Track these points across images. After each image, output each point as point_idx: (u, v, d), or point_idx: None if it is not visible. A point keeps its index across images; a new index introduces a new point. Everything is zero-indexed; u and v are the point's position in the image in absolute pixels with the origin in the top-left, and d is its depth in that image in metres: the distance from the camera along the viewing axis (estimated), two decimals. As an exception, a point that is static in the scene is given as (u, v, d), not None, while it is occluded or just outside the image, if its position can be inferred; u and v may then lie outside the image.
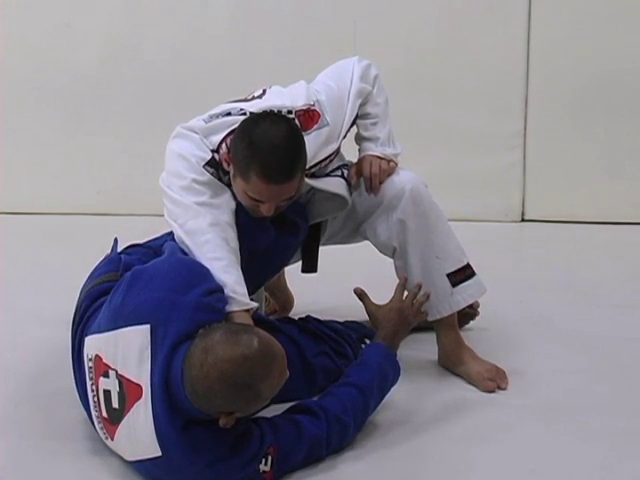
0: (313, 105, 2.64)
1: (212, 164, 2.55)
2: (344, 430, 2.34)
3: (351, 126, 2.76)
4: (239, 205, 2.57)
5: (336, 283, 3.59)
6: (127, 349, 2.20)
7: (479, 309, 3.14)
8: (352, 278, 3.66)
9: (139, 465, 2.22)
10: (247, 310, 2.46)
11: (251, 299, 2.83)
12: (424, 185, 2.78)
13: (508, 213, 4.80)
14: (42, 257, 3.95)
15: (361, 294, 2.72)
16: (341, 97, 2.71)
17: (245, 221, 2.58)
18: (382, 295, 3.18)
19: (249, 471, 2.16)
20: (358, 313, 3.03)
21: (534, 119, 4.71)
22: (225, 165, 2.53)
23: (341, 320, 2.92)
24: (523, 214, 4.82)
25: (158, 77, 4.83)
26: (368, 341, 2.83)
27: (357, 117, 2.77)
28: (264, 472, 2.19)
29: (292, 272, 3.03)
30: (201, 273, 2.38)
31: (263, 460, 2.18)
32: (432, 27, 4.65)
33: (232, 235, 2.53)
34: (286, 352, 2.63)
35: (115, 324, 2.24)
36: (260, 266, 2.70)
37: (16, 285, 3.19)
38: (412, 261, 2.77)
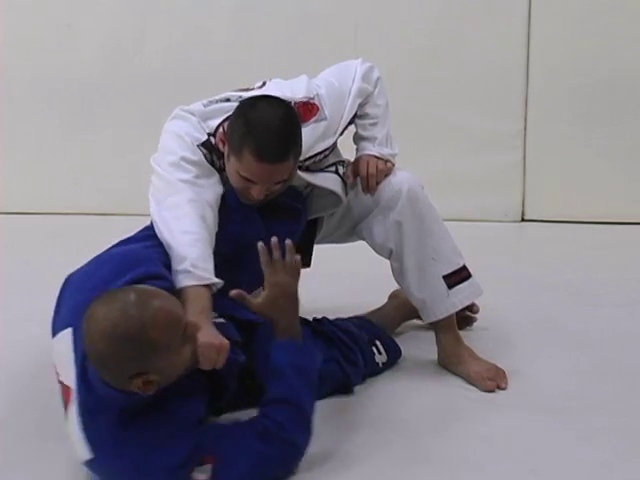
0: (313, 98, 2.64)
1: (207, 146, 2.56)
2: (293, 447, 2.23)
3: (349, 124, 2.76)
4: (230, 192, 2.56)
5: (336, 283, 3.60)
6: (60, 354, 2.22)
7: (478, 313, 3.14)
8: (351, 278, 3.69)
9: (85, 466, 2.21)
10: (206, 285, 2.39)
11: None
12: (421, 186, 2.77)
13: (508, 213, 4.80)
14: (42, 257, 3.95)
15: (238, 295, 2.40)
16: (341, 93, 2.71)
17: (233, 207, 2.57)
18: (380, 293, 3.20)
19: (178, 477, 2.10)
20: (357, 313, 3.04)
21: (534, 119, 4.72)
22: (221, 146, 2.53)
23: (350, 316, 2.92)
24: (523, 214, 4.83)
25: (158, 77, 4.84)
26: (378, 343, 2.85)
27: (356, 116, 2.77)
28: None
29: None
30: (131, 262, 2.34)
31: (199, 468, 2.10)
32: (432, 27, 4.66)
33: (210, 214, 2.49)
34: None
35: (54, 330, 2.29)
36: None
37: (15, 285, 3.19)
38: (408, 263, 2.77)
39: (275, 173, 2.45)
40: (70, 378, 2.17)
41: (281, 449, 2.20)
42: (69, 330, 2.21)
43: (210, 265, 2.42)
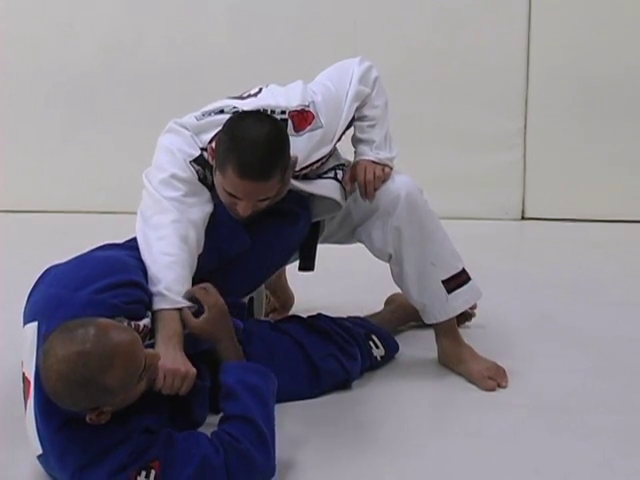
0: (308, 106, 2.62)
1: (200, 162, 2.55)
2: (247, 461, 2.15)
3: (347, 128, 2.75)
4: (220, 206, 2.56)
5: (336, 282, 3.60)
6: (25, 345, 2.23)
7: (476, 310, 3.14)
8: (352, 277, 3.69)
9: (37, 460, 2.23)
10: (178, 309, 2.40)
11: (251, 297, 2.85)
12: (419, 191, 2.77)
13: (508, 211, 4.80)
14: (42, 255, 3.94)
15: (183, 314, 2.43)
16: (338, 99, 2.69)
17: (219, 222, 2.57)
18: (381, 293, 3.20)
19: None
20: (358, 311, 3.04)
21: (534, 117, 4.71)
22: (210, 159, 2.53)
23: (345, 317, 2.92)
24: (523, 212, 4.82)
25: (158, 76, 4.83)
26: (375, 337, 2.86)
27: (354, 119, 2.75)
28: None
29: (293, 271, 3.03)
30: (111, 268, 2.35)
31: (143, 473, 2.10)
32: (432, 26, 4.65)
33: (193, 235, 2.49)
34: (290, 355, 2.65)
35: (23, 321, 2.30)
36: (262, 259, 2.70)
37: (15, 284, 3.18)
38: (407, 268, 2.77)
39: (259, 191, 2.45)
40: (31, 371, 2.19)
41: (234, 460, 2.15)
42: (35, 324, 2.22)
43: (185, 288, 2.43)
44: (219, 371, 2.37)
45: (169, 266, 2.43)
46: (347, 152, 2.84)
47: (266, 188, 2.45)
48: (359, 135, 2.79)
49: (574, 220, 4.69)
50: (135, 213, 2.57)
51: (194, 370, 2.29)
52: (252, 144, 2.39)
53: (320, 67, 2.83)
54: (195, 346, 2.43)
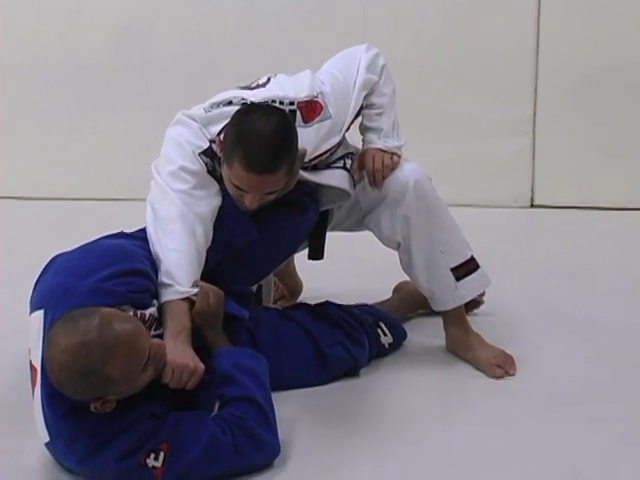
0: (316, 96, 2.62)
1: (208, 154, 2.55)
2: (253, 439, 2.19)
3: (356, 117, 2.74)
4: (228, 198, 2.55)
5: (344, 269, 3.60)
6: (31, 333, 2.24)
7: (485, 297, 3.14)
8: (360, 264, 3.69)
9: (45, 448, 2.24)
10: (188, 300, 2.41)
11: (259, 285, 2.86)
12: (428, 178, 2.76)
13: (517, 199, 4.80)
14: (50, 243, 3.95)
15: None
16: (346, 88, 2.68)
17: (227, 213, 2.57)
18: (390, 280, 3.20)
19: (129, 465, 2.12)
20: (367, 299, 3.05)
21: (543, 105, 4.70)
22: (218, 152, 2.53)
23: (353, 304, 2.92)
24: (532, 200, 4.81)
25: (168, 63, 4.84)
26: (383, 324, 2.86)
27: (362, 107, 2.75)
28: (154, 467, 2.13)
29: (301, 259, 3.03)
30: (117, 256, 2.36)
31: (152, 455, 2.12)
32: (441, 13, 4.64)
33: (201, 229, 2.50)
34: (298, 342, 2.66)
35: (30, 309, 2.31)
36: (270, 249, 2.70)
37: (23, 271, 3.19)
38: (416, 256, 2.77)
39: (265, 184, 2.44)
40: (37, 359, 2.20)
41: (241, 439, 2.18)
42: (41, 312, 2.23)
43: (191, 281, 2.43)
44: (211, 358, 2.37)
45: (177, 260, 2.44)
46: (356, 140, 2.83)
47: (273, 181, 2.45)
48: (367, 123, 2.78)
49: (583, 208, 4.68)
50: (144, 200, 2.58)
51: (202, 366, 2.29)
52: (259, 137, 2.39)
53: (329, 54, 2.82)
54: (202, 339, 2.44)
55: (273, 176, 2.43)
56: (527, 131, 4.73)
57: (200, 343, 2.41)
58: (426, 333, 3.02)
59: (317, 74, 2.72)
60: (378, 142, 2.75)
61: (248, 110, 2.49)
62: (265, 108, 2.50)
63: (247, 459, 2.19)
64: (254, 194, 2.46)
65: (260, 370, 2.35)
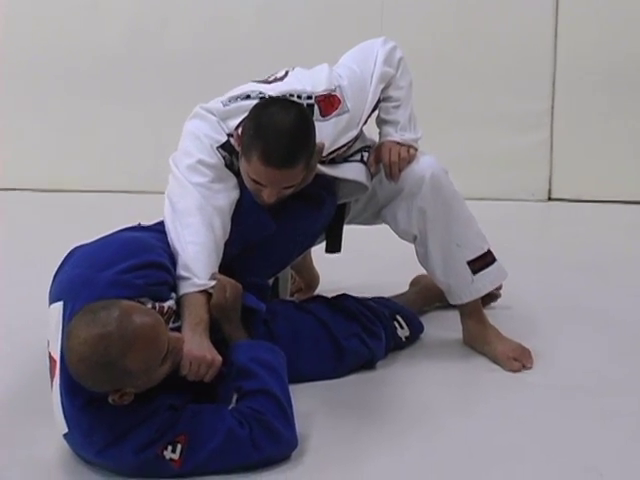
0: (334, 90, 2.62)
1: (226, 148, 2.55)
2: (271, 433, 2.19)
3: (373, 111, 2.74)
4: (246, 192, 2.56)
5: (361, 262, 3.61)
6: (50, 325, 2.26)
7: (501, 291, 3.14)
8: (377, 257, 3.69)
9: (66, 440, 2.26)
10: (206, 292, 2.42)
11: (276, 277, 2.87)
12: (444, 172, 2.76)
13: (535, 192, 4.79)
14: (71, 235, 3.97)
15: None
16: (363, 82, 2.68)
17: (245, 208, 2.57)
18: (406, 274, 3.20)
19: (146, 457, 2.13)
20: (383, 292, 3.05)
21: (561, 97, 4.70)
22: (236, 146, 2.53)
23: (369, 297, 2.92)
24: (550, 193, 4.81)
25: (185, 55, 4.85)
26: (399, 317, 2.86)
27: (379, 101, 2.75)
28: (172, 460, 2.14)
29: (319, 252, 3.04)
30: (135, 249, 2.36)
31: (170, 447, 2.14)
32: (458, 6, 4.64)
33: (219, 222, 2.50)
34: (314, 334, 2.67)
35: (49, 300, 2.32)
36: (287, 242, 2.70)
37: (42, 262, 3.21)
38: (432, 249, 2.77)
39: (283, 178, 2.45)
40: (56, 351, 2.21)
41: (258, 432, 2.18)
42: (60, 304, 2.24)
43: (209, 274, 2.44)
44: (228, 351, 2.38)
45: (195, 253, 2.44)
46: (373, 133, 2.83)
47: (291, 175, 2.45)
48: (384, 116, 2.78)
49: (601, 201, 4.67)
50: (161, 193, 2.59)
51: (220, 358, 2.30)
52: (277, 131, 2.39)
53: (346, 47, 2.82)
54: (220, 332, 2.45)
55: (291, 170, 2.43)
56: (545, 124, 4.72)
57: (218, 336, 2.42)
58: (443, 326, 3.02)
59: (334, 67, 2.72)
60: (395, 135, 2.75)
61: (266, 104, 2.49)
62: (283, 102, 2.50)
63: (264, 452, 2.19)
64: (272, 188, 2.46)
65: (277, 363, 2.36)
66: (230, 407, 2.25)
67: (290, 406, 2.27)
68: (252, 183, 2.49)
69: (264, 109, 2.46)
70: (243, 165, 2.48)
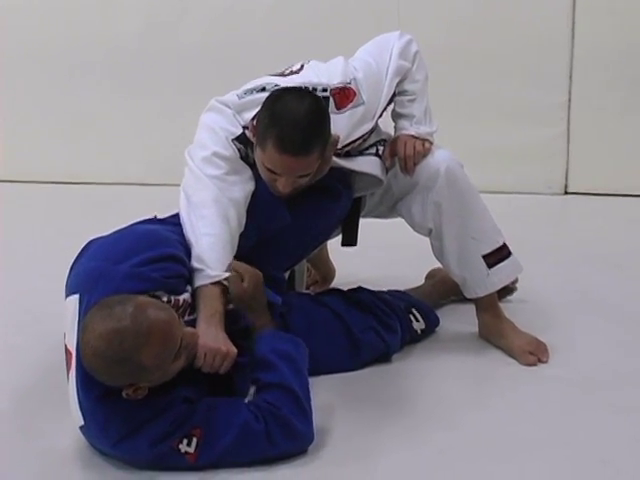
0: (349, 83, 2.62)
1: (241, 140, 2.56)
2: (287, 428, 2.19)
3: (388, 104, 2.74)
4: (262, 184, 2.56)
5: (377, 256, 3.61)
6: (67, 317, 2.26)
7: (517, 284, 3.14)
8: (393, 251, 3.69)
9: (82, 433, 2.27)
10: (221, 285, 2.41)
11: (292, 270, 2.87)
12: (460, 165, 2.76)
13: (551, 186, 4.77)
14: (87, 227, 3.98)
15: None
16: (379, 75, 2.68)
17: (261, 200, 2.58)
18: (422, 267, 3.20)
19: (162, 450, 2.14)
20: (399, 285, 3.05)
21: (579, 91, 4.67)
22: (251, 137, 2.53)
23: (385, 290, 2.93)
24: (566, 187, 4.78)
25: (200, 47, 4.85)
26: (415, 311, 2.86)
27: (394, 94, 2.74)
28: (187, 453, 2.15)
29: (335, 245, 3.04)
30: (151, 242, 2.37)
31: (185, 441, 2.14)
32: (475, -1, 4.63)
33: (234, 214, 2.51)
34: (330, 327, 2.67)
35: (65, 293, 2.32)
36: (303, 235, 2.71)
37: (59, 255, 3.24)
38: (448, 242, 2.77)
39: (298, 166, 2.45)
40: (72, 343, 2.22)
41: (274, 427, 2.18)
42: (76, 297, 2.25)
43: (224, 266, 2.44)
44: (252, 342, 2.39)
45: (210, 244, 2.45)
46: (388, 127, 2.83)
47: (305, 163, 2.45)
48: (399, 110, 2.78)
49: (618, 195, 4.65)
50: (178, 185, 2.59)
51: (234, 349, 2.30)
52: (292, 119, 2.39)
53: (362, 40, 2.81)
54: (235, 323, 2.45)
55: (306, 158, 2.43)
56: (562, 117, 4.69)
57: (235, 326, 2.42)
58: (458, 320, 3.01)
59: (350, 60, 2.72)
60: (410, 128, 2.74)
61: (281, 94, 2.49)
62: (297, 91, 2.51)
63: (279, 447, 2.20)
64: (287, 177, 2.47)
65: (298, 355, 2.35)
66: (247, 399, 2.25)
67: (308, 400, 2.27)
68: (267, 173, 2.49)
69: (279, 98, 2.46)
70: (258, 155, 2.49)
